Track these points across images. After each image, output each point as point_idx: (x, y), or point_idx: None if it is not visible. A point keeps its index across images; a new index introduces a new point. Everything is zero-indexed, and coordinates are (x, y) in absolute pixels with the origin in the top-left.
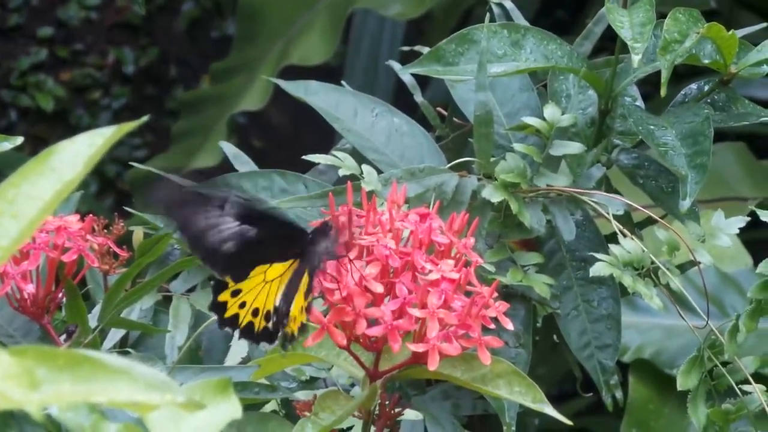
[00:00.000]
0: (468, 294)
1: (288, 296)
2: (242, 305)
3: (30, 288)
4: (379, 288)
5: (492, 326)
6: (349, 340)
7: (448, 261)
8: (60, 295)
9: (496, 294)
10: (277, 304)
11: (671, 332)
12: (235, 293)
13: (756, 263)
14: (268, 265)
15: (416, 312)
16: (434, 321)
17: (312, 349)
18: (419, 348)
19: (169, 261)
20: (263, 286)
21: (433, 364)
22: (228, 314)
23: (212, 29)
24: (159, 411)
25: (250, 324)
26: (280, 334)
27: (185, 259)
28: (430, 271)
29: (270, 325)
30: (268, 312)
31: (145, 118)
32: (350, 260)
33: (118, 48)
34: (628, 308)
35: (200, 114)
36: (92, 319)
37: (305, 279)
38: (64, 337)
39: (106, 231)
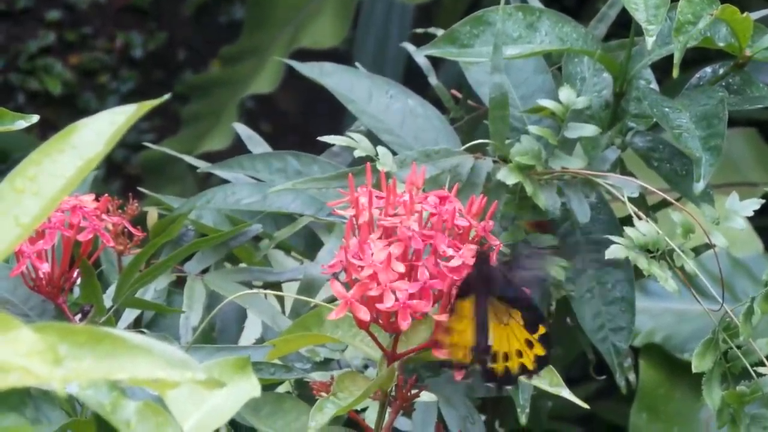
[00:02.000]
0: None
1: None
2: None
3: (45, 267)
4: (400, 268)
5: None
6: (371, 318)
7: (471, 246)
8: (75, 274)
9: None
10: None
11: (682, 317)
12: None
13: (767, 249)
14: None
15: (441, 318)
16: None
17: (328, 329)
18: (442, 354)
19: (183, 241)
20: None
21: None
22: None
23: (220, 14)
24: (179, 389)
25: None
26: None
27: (200, 239)
28: (452, 257)
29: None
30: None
31: (166, 96)
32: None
33: (126, 32)
34: (638, 292)
35: (211, 97)
36: (107, 299)
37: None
38: (79, 317)
39: (120, 211)
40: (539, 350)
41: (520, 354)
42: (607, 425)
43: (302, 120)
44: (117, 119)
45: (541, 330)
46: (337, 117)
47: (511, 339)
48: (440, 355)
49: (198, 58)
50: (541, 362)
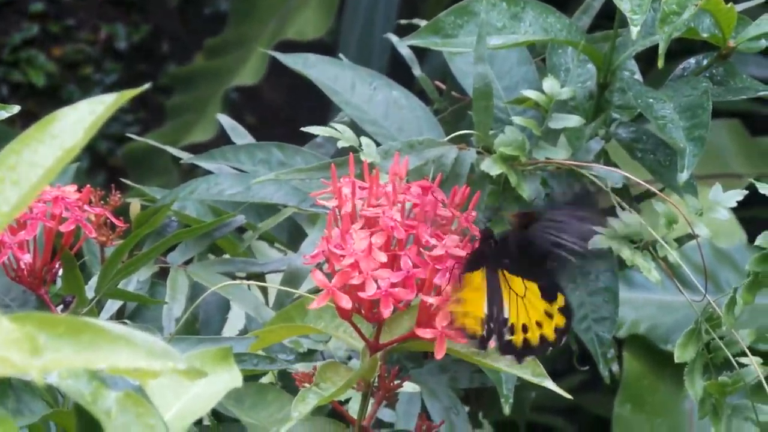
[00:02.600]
0: None
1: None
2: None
3: (27, 258)
4: (382, 257)
5: None
6: (353, 308)
7: (453, 236)
8: (57, 265)
9: None
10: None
11: (666, 308)
12: None
13: (751, 240)
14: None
15: (430, 299)
16: (446, 309)
17: (311, 320)
18: (427, 334)
19: (166, 233)
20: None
21: (440, 352)
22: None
23: (205, 6)
24: (160, 379)
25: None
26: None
27: (183, 230)
28: (435, 246)
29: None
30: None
31: (146, 86)
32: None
33: (110, 24)
34: (622, 283)
35: (195, 89)
36: (89, 291)
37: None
38: (61, 307)
39: (103, 202)
40: (559, 321)
41: (539, 325)
42: (591, 417)
43: (287, 111)
44: (97, 109)
45: (560, 300)
46: (323, 108)
47: (529, 310)
48: (451, 329)
49: (182, 50)
50: (560, 333)
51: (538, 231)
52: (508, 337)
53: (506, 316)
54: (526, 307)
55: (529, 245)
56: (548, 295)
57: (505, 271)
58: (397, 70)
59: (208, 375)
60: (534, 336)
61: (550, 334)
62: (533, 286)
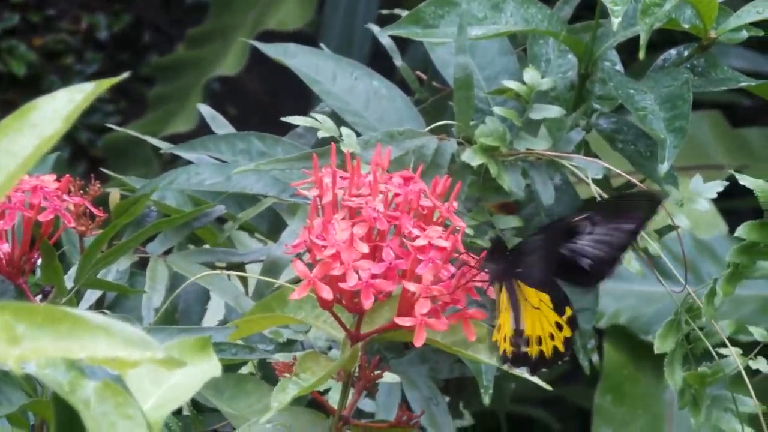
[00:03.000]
0: (453, 261)
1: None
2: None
3: (5, 247)
4: (364, 248)
5: (478, 298)
6: (334, 298)
7: (436, 227)
8: (36, 255)
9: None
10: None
11: (646, 299)
12: None
13: (731, 231)
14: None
15: (411, 287)
16: (427, 298)
17: (291, 310)
18: (406, 322)
19: (145, 222)
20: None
21: (420, 341)
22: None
23: None
24: (138, 369)
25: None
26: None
27: (162, 220)
28: (417, 237)
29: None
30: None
31: (125, 75)
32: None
33: (91, 14)
34: None
35: (176, 79)
36: (68, 281)
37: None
38: (39, 297)
39: (82, 192)
40: (567, 332)
41: (552, 337)
42: (573, 408)
43: (269, 102)
44: (75, 98)
45: (568, 312)
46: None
47: (543, 322)
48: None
49: (164, 40)
50: (568, 344)
51: (571, 242)
52: (523, 348)
53: (522, 327)
54: (540, 319)
55: (558, 257)
56: (559, 307)
57: (520, 283)
58: (379, 61)
59: (186, 365)
60: (548, 348)
61: (560, 346)
62: (546, 298)
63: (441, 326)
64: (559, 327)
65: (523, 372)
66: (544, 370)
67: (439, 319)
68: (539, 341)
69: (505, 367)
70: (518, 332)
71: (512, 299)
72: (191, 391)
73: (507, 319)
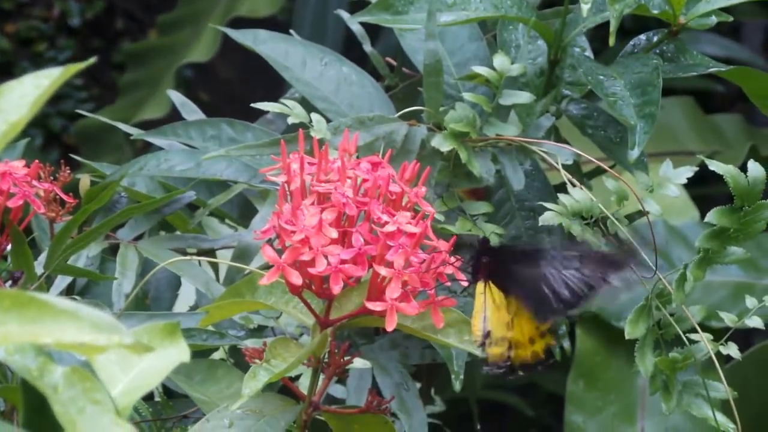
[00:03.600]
0: (423, 247)
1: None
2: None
3: None
4: (333, 233)
5: (448, 283)
6: (303, 284)
7: (405, 213)
8: (5, 241)
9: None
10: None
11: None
12: None
13: (703, 217)
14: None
15: (382, 271)
16: (398, 282)
17: (261, 296)
18: (377, 307)
19: (116, 209)
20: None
21: (391, 324)
22: None
23: None
24: (106, 354)
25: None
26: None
27: (132, 206)
28: (386, 223)
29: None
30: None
31: (92, 60)
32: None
33: (63, 0)
34: None
35: (147, 66)
36: (38, 267)
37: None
38: (9, 283)
39: (52, 178)
40: (550, 340)
41: (532, 342)
42: (547, 394)
43: (242, 89)
44: (42, 83)
45: (549, 323)
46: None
47: (524, 327)
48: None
49: (137, 26)
50: (549, 353)
51: (552, 265)
52: (487, 350)
53: (489, 328)
54: (521, 324)
55: (535, 276)
56: (541, 318)
57: (492, 284)
58: (352, 48)
59: (155, 350)
60: (526, 353)
61: (540, 351)
62: (517, 303)
63: (411, 310)
64: (542, 334)
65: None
66: (521, 374)
67: (410, 303)
68: (518, 345)
69: (485, 369)
70: (486, 334)
71: (489, 302)
72: (160, 376)
73: (478, 321)
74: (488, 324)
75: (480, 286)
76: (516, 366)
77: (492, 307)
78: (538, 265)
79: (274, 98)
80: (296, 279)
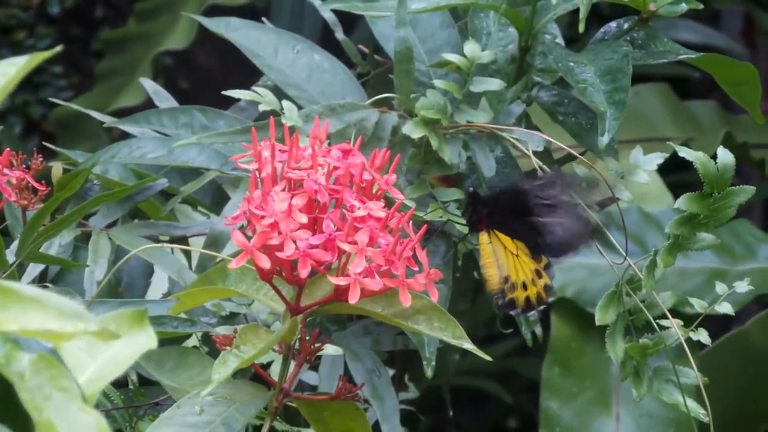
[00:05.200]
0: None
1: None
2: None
3: None
4: (303, 219)
5: (416, 268)
6: (272, 269)
7: (377, 202)
8: None
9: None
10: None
11: (594, 271)
12: None
13: None
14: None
15: (345, 246)
16: (361, 258)
17: (232, 283)
18: (340, 282)
19: (88, 196)
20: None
21: (353, 298)
22: None
23: None
24: (74, 341)
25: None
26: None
27: (104, 194)
28: (358, 209)
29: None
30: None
31: (58, 48)
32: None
33: None
34: None
35: (124, 53)
36: (10, 254)
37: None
38: None
39: (24, 166)
40: (547, 279)
41: (534, 283)
42: (524, 381)
43: (221, 76)
44: (9, 71)
45: (544, 260)
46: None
47: (524, 268)
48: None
49: (117, 14)
50: (549, 291)
51: (532, 194)
52: (510, 295)
53: (506, 274)
54: (522, 265)
55: (520, 206)
56: (535, 254)
57: (497, 232)
58: (331, 35)
59: (122, 337)
60: (532, 293)
61: (542, 292)
62: (523, 246)
63: (375, 286)
64: (539, 274)
65: (447, 336)
66: (531, 313)
67: (373, 279)
68: (524, 286)
69: (503, 311)
70: (504, 279)
71: (500, 249)
72: (127, 363)
73: (493, 270)
74: (503, 270)
75: (483, 236)
76: (533, 303)
77: (504, 253)
78: (526, 201)
79: (252, 85)
80: (264, 263)
